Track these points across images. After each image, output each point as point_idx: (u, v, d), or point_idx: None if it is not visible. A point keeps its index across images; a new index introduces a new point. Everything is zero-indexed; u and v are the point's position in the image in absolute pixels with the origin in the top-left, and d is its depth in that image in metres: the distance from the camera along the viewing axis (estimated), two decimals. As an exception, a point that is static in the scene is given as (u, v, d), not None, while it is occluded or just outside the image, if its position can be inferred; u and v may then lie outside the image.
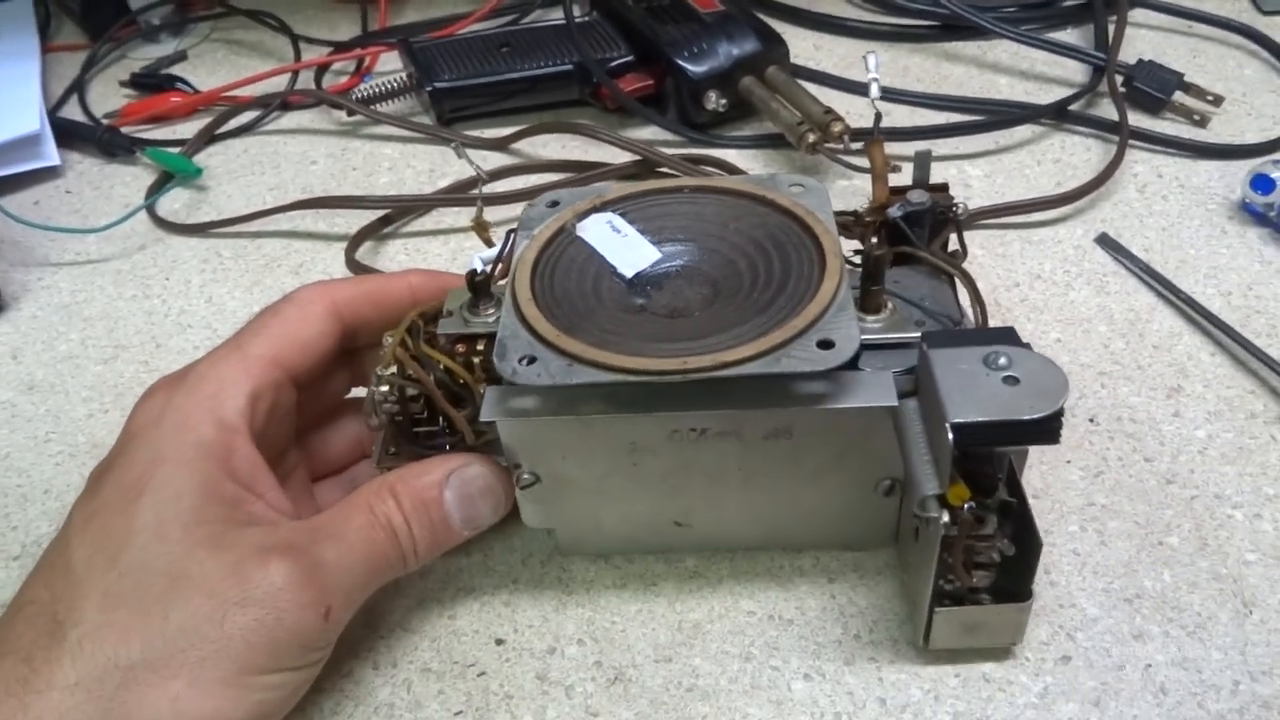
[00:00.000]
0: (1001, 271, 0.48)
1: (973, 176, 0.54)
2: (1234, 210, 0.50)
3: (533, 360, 0.31)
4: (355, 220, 0.54)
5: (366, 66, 0.67)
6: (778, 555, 0.38)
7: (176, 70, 0.69)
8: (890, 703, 0.33)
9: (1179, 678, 0.33)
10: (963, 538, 0.30)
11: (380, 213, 0.54)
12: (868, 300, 0.34)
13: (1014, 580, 0.32)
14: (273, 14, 0.72)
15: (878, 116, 0.41)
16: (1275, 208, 0.48)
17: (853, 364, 0.31)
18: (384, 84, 0.61)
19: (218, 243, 0.55)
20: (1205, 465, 0.40)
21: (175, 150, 0.60)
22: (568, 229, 0.36)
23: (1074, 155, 0.55)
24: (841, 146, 0.53)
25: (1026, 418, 0.28)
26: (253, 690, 0.29)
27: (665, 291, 0.35)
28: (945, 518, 0.29)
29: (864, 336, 0.32)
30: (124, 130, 0.63)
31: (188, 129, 0.63)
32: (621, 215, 0.36)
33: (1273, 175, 0.48)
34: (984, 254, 0.49)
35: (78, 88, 0.68)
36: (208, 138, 0.62)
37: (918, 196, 0.38)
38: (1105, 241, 0.49)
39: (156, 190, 0.58)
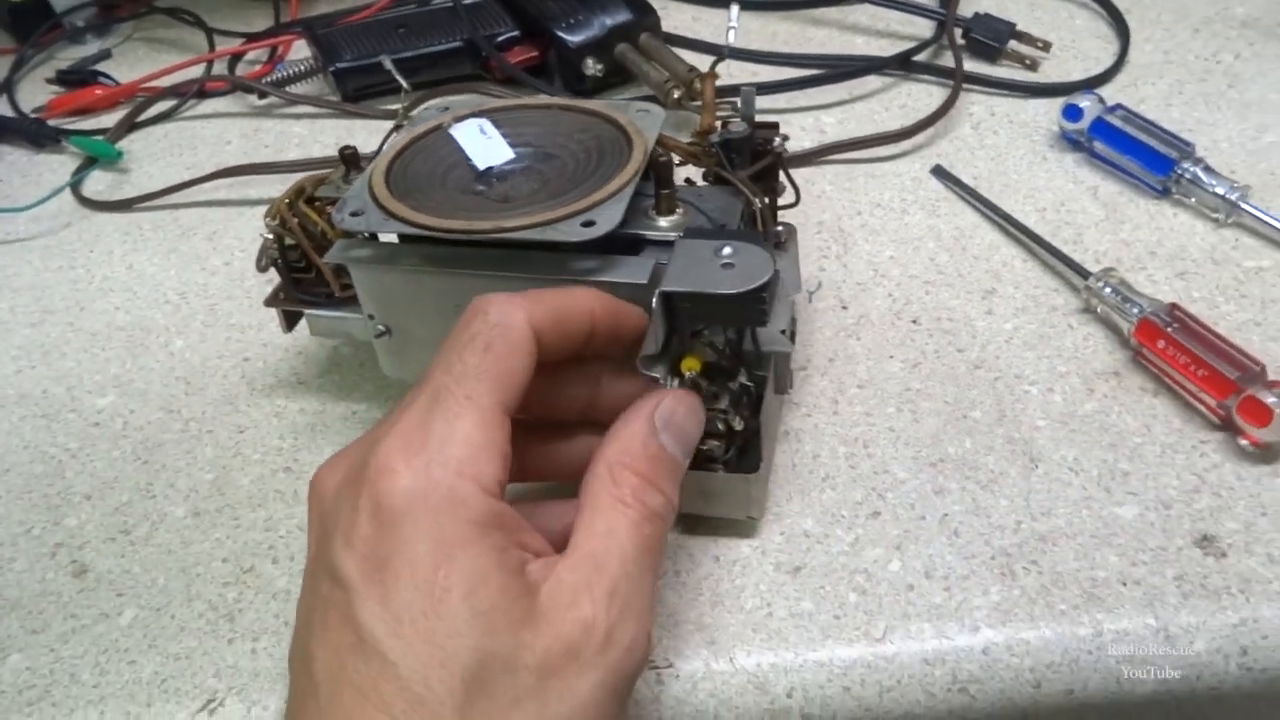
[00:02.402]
0: (846, 202, 0.54)
1: (827, 124, 0.60)
2: (1055, 140, 0.56)
3: (360, 214, 0.37)
4: (267, 188, 0.59)
5: (279, 55, 0.71)
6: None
7: (101, 68, 0.73)
8: (723, 559, 0.38)
9: (971, 522, 0.38)
10: None
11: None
12: (661, 203, 0.38)
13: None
14: (191, 11, 0.76)
15: (720, 58, 0.46)
16: (1085, 134, 0.53)
17: (632, 252, 0.37)
18: (292, 68, 0.66)
19: (139, 217, 0.59)
20: (1010, 352, 0.45)
21: (98, 138, 0.65)
22: (444, 126, 0.41)
23: (919, 101, 0.61)
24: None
25: (719, 291, 0.32)
26: None
27: (506, 184, 0.40)
28: (665, 381, 0.34)
29: (649, 233, 0.38)
30: (50, 123, 0.67)
31: (112, 120, 0.67)
32: (493, 122, 0.42)
33: (1080, 104, 0.53)
34: (833, 188, 0.55)
35: (6, 88, 0.72)
36: (129, 125, 0.66)
37: (737, 127, 0.42)
38: (939, 172, 0.54)
39: (79, 172, 0.62)
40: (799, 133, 0.58)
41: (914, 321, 0.47)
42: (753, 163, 0.42)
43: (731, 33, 0.49)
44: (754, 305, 0.33)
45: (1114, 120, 0.52)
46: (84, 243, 0.58)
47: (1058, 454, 0.41)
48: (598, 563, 0.29)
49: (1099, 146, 0.53)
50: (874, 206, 0.53)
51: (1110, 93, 0.58)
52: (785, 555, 0.38)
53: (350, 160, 0.41)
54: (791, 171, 0.43)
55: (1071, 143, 0.55)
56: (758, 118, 0.42)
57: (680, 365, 0.35)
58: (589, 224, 0.36)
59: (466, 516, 0.28)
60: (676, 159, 0.41)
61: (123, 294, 0.54)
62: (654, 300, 0.33)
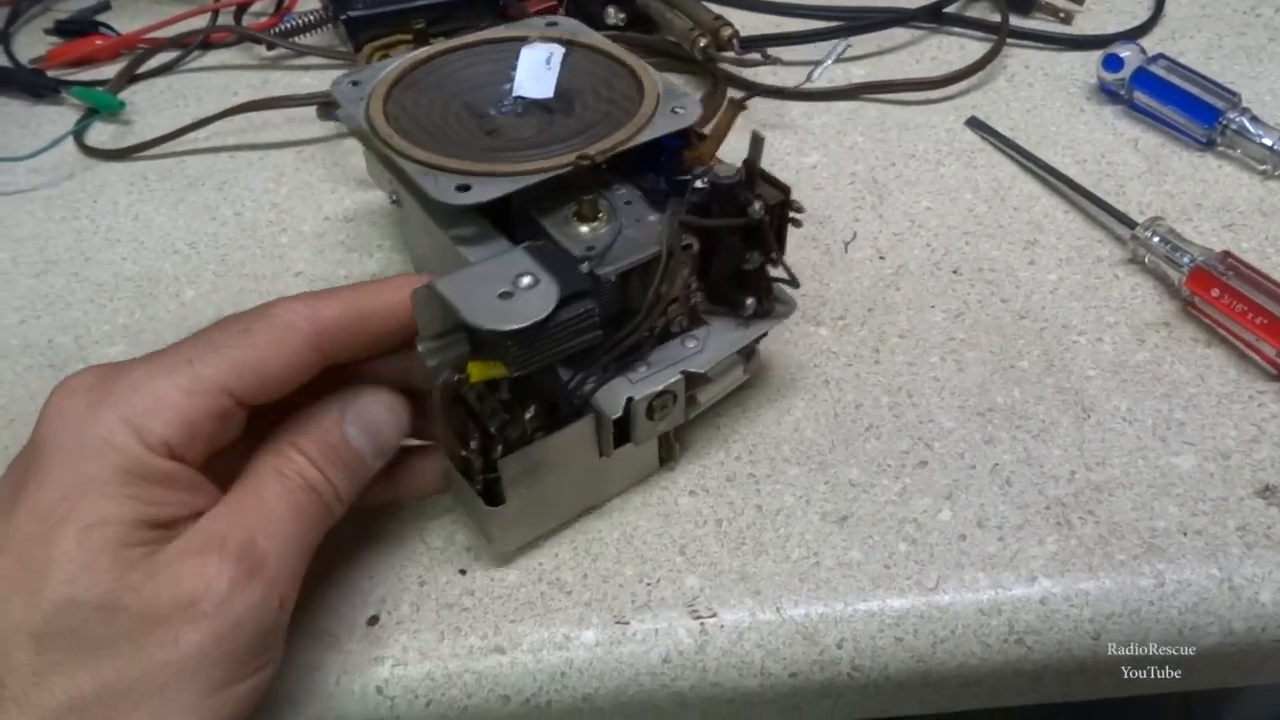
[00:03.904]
0: (880, 153, 0.52)
1: (856, 76, 0.58)
2: (1092, 92, 0.55)
3: (357, 84, 0.41)
4: (280, 133, 0.57)
5: (287, 5, 0.69)
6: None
7: (101, 18, 0.70)
8: (766, 508, 0.37)
9: (1023, 472, 0.37)
10: (445, 401, 0.32)
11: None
12: (581, 207, 0.34)
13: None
14: (194, -38, 0.74)
15: (756, 94, 0.42)
16: (1126, 84, 0.52)
17: (531, 238, 0.33)
18: (300, 19, 0.64)
19: (144, 167, 0.57)
20: (1055, 302, 0.43)
21: (99, 89, 0.62)
22: (530, 40, 0.42)
23: (949, 54, 0.59)
24: (732, 53, 0.56)
25: (458, 310, 0.29)
26: (223, 705, 0.27)
27: (507, 119, 0.39)
28: (427, 360, 0.31)
29: (553, 229, 0.34)
30: (49, 73, 0.65)
31: (113, 71, 0.65)
32: (563, 57, 0.41)
33: (1121, 54, 0.52)
34: (864, 139, 0.53)
35: (3, 39, 0.69)
36: (130, 76, 0.64)
37: (726, 171, 0.33)
38: (974, 123, 0.53)
39: (81, 122, 0.60)
40: (826, 83, 0.57)
41: (955, 272, 0.45)
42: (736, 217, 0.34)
43: (820, 68, 0.48)
44: (496, 342, 0.30)
45: (1156, 70, 0.51)
46: (87, 193, 0.56)
47: (1110, 404, 0.39)
48: (237, 518, 0.29)
49: (1139, 97, 0.52)
50: (908, 158, 0.52)
51: (1147, 46, 0.56)
52: (831, 504, 0.37)
53: (419, 35, 0.42)
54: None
55: (1110, 95, 0.54)
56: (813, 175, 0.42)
57: (466, 364, 0.31)
58: (463, 188, 0.34)
59: (114, 461, 0.27)
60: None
61: (129, 244, 0.52)
62: (417, 289, 0.30)
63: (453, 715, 0.33)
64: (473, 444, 0.33)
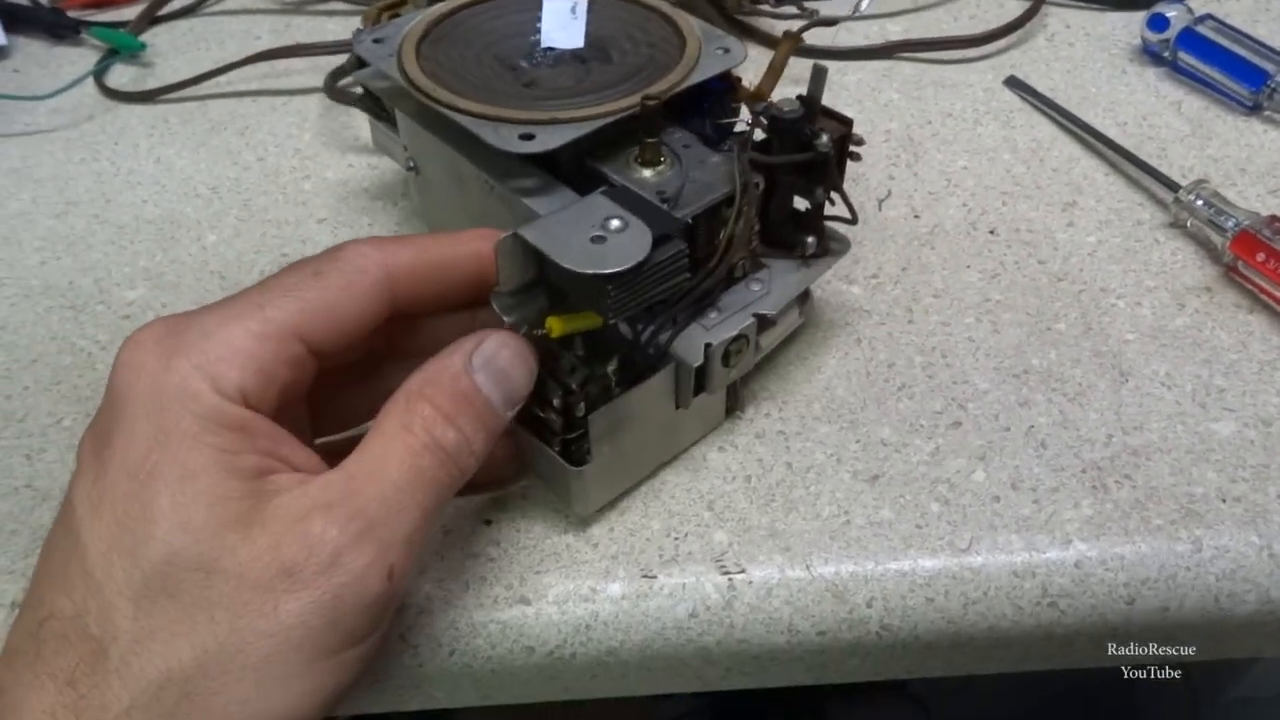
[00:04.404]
0: (915, 111, 0.51)
1: (892, 32, 0.57)
2: (1135, 54, 0.53)
3: (380, 41, 0.38)
4: (304, 79, 0.56)
5: (309, -49, 0.68)
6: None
7: (121, -39, 0.69)
8: (796, 465, 0.36)
9: (1059, 434, 0.36)
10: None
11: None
12: (643, 152, 0.34)
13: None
14: (215, -96, 0.72)
15: (813, 24, 0.40)
16: (1170, 45, 0.51)
17: (591, 188, 0.33)
18: (325, -38, 0.63)
19: (165, 110, 0.57)
20: (1094, 265, 0.43)
21: (120, 30, 0.62)
22: None
23: (988, 12, 0.58)
24: (769, 4, 0.55)
25: (555, 258, 0.28)
26: (325, 676, 0.26)
27: (543, 70, 0.38)
28: (520, 327, 0.30)
29: (615, 176, 0.34)
30: (70, 14, 0.64)
31: (134, 13, 0.64)
32: (588, 5, 0.39)
33: (1167, 14, 0.51)
34: (900, 97, 0.52)
35: (22, -22, 0.68)
36: (151, 17, 0.63)
37: (789, 106, 0.33)
38: (1013, 83, 0.52)
39: (101, 63, 0.59)
40: (862, 40, 0.55)
41: (991, 232, 0.44)
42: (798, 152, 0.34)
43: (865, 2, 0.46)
44: (592, 288, 0.29)
45: (1203, 31, 0.50)
46: (108, 135, 0.55)
47: (1148, 368, 0.38)
48: (353, 483, 0.27)
49: (1184, 59, 0.50)
50: (945, 116, 0.51)
51: (1193, 6, 0.55)
52: (862, 463, 0.36)
53: None
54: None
55: (1153, 56, 0.52)
56: (856, 112, 0.39)
57: (545, 318, 0.30)
58: (527, 137, 0.33)
59: (194, 410, 0.26)
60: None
61: (150, 187, 0.52)
62: (503, 238, 0.29)
63: (476, 665, 0.33)
64: (555, 402, 0.31)
